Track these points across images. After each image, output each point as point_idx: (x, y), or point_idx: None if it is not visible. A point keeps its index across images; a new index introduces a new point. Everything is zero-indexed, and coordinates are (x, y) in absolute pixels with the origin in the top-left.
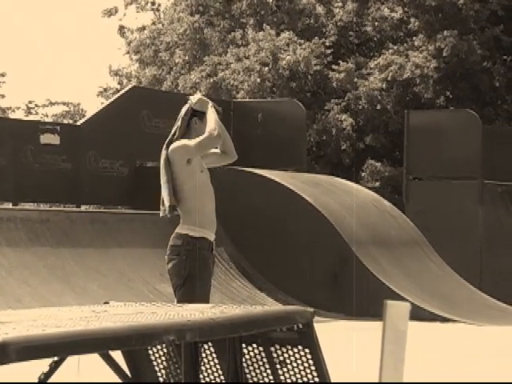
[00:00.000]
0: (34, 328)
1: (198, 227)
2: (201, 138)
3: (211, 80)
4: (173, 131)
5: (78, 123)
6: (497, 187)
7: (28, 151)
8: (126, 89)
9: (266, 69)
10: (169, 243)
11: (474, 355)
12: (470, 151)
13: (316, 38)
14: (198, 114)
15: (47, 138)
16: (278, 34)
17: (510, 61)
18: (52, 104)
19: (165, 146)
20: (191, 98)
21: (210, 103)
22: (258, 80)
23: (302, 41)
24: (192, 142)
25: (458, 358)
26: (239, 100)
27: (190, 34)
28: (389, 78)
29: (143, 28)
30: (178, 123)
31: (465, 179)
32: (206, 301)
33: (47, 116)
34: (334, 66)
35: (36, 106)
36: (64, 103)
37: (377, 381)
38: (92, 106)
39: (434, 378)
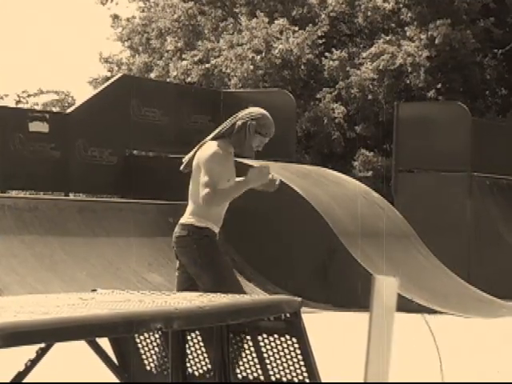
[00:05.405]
0: (21, 314)
1: (203, 219)
2: (210, 191)
3: (203, 67)
4: (221, 128)
5: (67, 111)
6: (485, 180)
7: (17, 139)
8: (116, 77)
9: (259, 57)
10: (173, 235)
11: (461, 347)
12: (460, 144)
13: (310, 24)
14: (260, 131)
15: (36, 126)
16: (270, 23)
17: (500, 54)
18: (43, 93)
19: (211, 137)
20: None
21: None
22: (251, 67)
23: (296, 28)
24: (211, 178)
25: (445, 351)
26: (229, 90)
27: (183, 19)
28: (380, 67)
29: (133, 18)
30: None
31: (454, 172)
32: (238, 284)
33: (37, 105)
34: (327, 54)
35: (28, 95)
36: (55, 92)
37: (364, 366)
38: (83, 94)
39: (422, 371)
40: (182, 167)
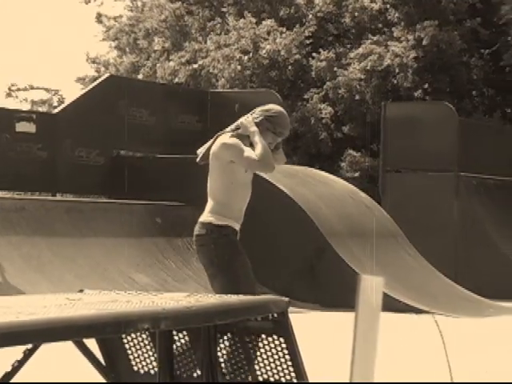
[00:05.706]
0: (8, 315)
1: (223, 216)
2: (252, 158)
3: (190, 67)
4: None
5: (54, 112)
6: (472, 180)
7: (3, 139)
8: (103, 78)
9: (246, 57)
10: (194, 233)
11: (449, 347)
12: (446, 144)
13: (297, 25)
14: (274, 130)
15: (23, 126)
16: (257, 23)
17: (487, 54)
18: (33, 88)
19: (228, 129)
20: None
21: (251, 129)
22: (239, 68)
23: (284, 29)
24: (243, 154)
25: (432, 350)
26: (216, 90)
27: (171, 20)
28: (368, 67)
29: (120, 16)
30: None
31: (441, 172)
32: (250, 285)
33: (26, 100)
34: (314, 54)
35: (18, 89)
36: (45, 89)
37: (350, 365)
38: (72, 92)
39: (409, 371)
40: (198, 159)
